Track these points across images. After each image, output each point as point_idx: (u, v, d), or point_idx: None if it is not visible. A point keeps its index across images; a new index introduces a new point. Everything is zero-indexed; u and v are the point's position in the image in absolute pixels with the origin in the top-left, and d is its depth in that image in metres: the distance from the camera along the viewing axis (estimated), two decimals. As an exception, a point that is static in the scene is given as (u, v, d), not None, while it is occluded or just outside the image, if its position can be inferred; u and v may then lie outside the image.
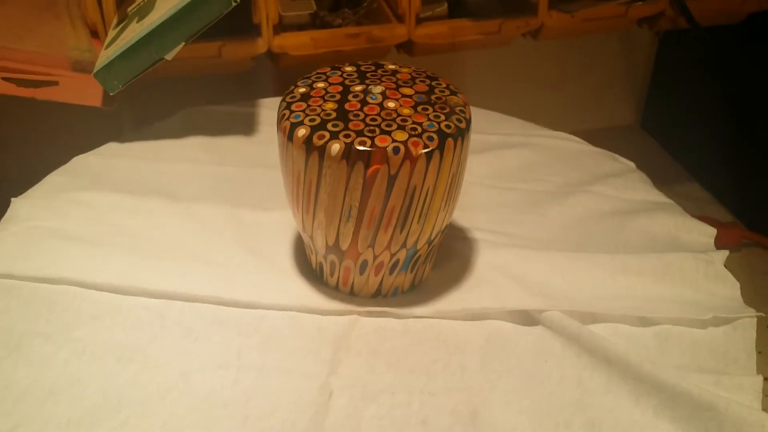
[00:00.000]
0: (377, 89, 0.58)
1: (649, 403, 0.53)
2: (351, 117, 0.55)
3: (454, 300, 0.62)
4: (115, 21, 0.82)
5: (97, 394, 0.53)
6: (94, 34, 0.83)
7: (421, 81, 0.60)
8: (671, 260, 0.66)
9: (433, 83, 0.60)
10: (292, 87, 0.59)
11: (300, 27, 0.91)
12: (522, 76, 1.32)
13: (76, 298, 0.60)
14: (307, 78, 0.60)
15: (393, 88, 0.58)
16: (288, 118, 0.55)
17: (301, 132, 0.54)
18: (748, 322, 0.60)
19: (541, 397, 0.55)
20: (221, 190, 0.73)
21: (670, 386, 0.53)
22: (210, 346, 0.57)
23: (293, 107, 0.56)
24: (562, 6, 0.95)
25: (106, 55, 0.75)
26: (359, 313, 0.61)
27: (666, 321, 0.61)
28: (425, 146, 0.53)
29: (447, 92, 0.59)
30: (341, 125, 0.54)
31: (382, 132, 0.54)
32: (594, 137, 0.86)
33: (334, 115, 0.55)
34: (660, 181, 0.79)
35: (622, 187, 0.78)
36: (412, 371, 0.56)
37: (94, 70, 0.73)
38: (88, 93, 0.76)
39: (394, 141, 0.53)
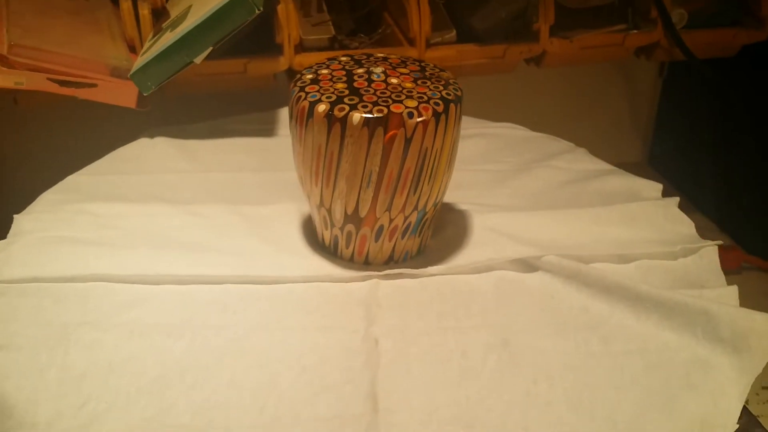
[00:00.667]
0: (378, 69, 0.65)
1: (650, 319, 0.61)
2: (362, 92, 0.61)
3: (459, 258, 0.68)
4: (151, 35, 0.88)
5: (157, 366, 0.56)
6: (132, 49, 0.89)
7: (411, 63, 0.67)
8: (634, 209, 0.75)
9: (422, 64, 0.67)
10: (299, 75, 0.65)
11: (319, 50, 0.97)
12: (527, 114, 1.32)
13: (108, 292, 0.62)
14: (309, 68, 0.66)
15: (391, 69, 0.65)
16: (305, 99, 0.61)
17: (322, 107, 0.59)
18: (710, 250, 0.70)
19: (557, 324, 0.61)
20: (215, 192, 0.77)
21: (667, 301, 0.61)
22: (250, 317, 0.61)
23: (307, 89, 0.62)
24: (563, 34, 1.01)
25: (142, 60, 0.80)
26: (378, 277, 0.66)
27: (642, 257, 0.69)
28: (434, 110, 0.60)
29: (437, 70, 0.66)
30: (356, 99, 0.60)
31: (394, 101, 0.60)
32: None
33: (347, 92, 0.61)
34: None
35: (572, 160, 0.87)
36: (439, 317, 0.62)
37: (131, 72, 0.79)
38: (123, 95, 0.82)
39: (407, 107, 0.59)
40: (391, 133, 0.59)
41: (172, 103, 0.97)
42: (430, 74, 0.65)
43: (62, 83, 0.80)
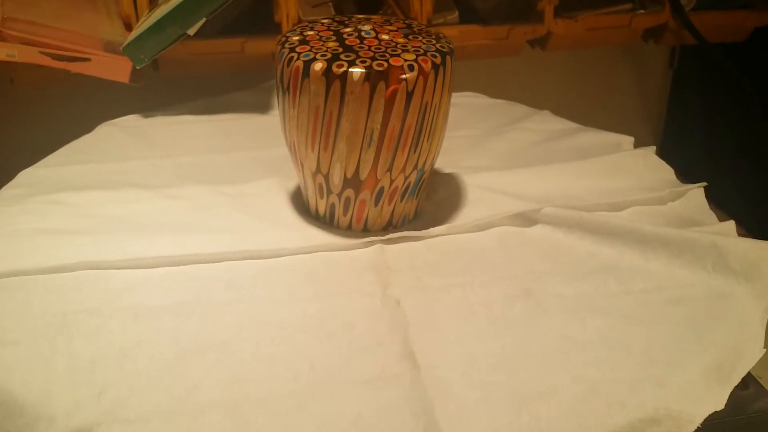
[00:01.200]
0: (367, 27, 0.63)
1: (659, 259, 0.61)
2: (356, 49, 0.59)
3: (457, 218, 0.67)
4: (147, 11, 0.84)
5: (172, 346, 0.52)
6: (128, 26, 0.85)
7: (396, 21, 0.65)
8: (614, 160, 0.76)
9: (407, 22, 0.65)
10: (284, 38, 0.62)
11: None
12: (535, 106, 1.32)
13: (100, 279, 0.58)
14: (292, 31, 0.63)
15: (378, 27, 0.63)
16: (298, 59, 0.58)
17: (318, 65, 0.57)
18: (697, 192, 0.71)
19: (569, 270, 0.61)
20: (188, 176, 0.73)
21: (674, 239, 0.61)
22: (259, 291, 0.58)
23: (298, 49, 0.59)
24: (568, 14, 0.99)
25: (135, 32, 0.76)
26: (381, 242, 0.64)
27: (633, 203, 0.70)
28: (433, 63, 0.58)
29: (423, 27, 0.65)
30: (352, 55, 0.58)
31: (392, 55, 0.58)
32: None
33: (341, 49, 0.59)
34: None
35: (540, 122, 0.87)
36: (452, 275, 0.60)
37: (123, 45, 0.76)
38: (117, 70, 0.79)
39: (406, 60, 0.58)
40: (392, 87, 0.57)
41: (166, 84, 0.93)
42: (418, 30, 0.64)
43: (55, 57, 0.77)
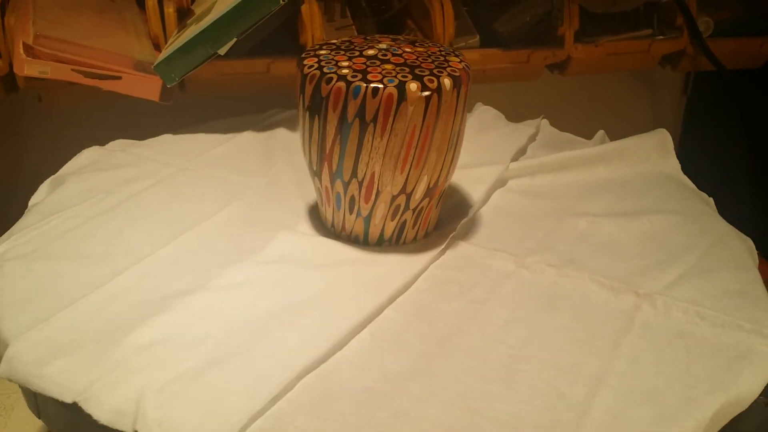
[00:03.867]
0: (384, 45, 0.63)
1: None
2: (411, 64, 0.60)
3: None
4: (175, 32, 0.87)
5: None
6: (156, 47, 0.87)
7: (383, 38, 0.66)
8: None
9: (393, 37, 0.66)
10: (322, 74, 0.58)
11: None
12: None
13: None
14: (318, 68, 0.59)
15: (392, 43, 0.65)
16: (385, 87, 0.57)
17: (414, 86, 0.57)
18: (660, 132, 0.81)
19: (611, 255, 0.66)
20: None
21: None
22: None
23: (369, 78, 0.58)
24: (588, 39, 0.99)
25: (166, 51, 0.79)
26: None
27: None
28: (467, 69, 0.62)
29: (415, 39, 0.66)
30: (408, 70, 0.59)
31: (438, 67, 0.60)
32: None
33: (394, 67, 0.60)
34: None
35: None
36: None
37: (155, 64, 0.78)
38: (147, 88, 0.81)
39: (454, 68, 0.61)
40: (464, 88, 0.60)
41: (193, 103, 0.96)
42: (418, 43, 0.65)
43: (87, 74, 0.78)
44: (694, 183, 0.79)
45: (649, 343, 0.55)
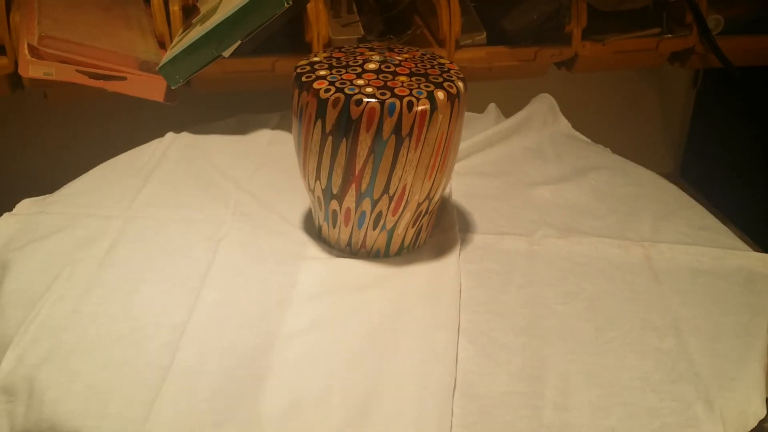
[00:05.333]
0: (378, 57, 0.63)
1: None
2: (416, 72, 0.61)
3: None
4: (180, 30, 0.86)
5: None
6: (162, 45, 0.87)
7: (370, 50, 0.65)
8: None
9: (372, 46, 0.66)
10: (365, 100, 0.57)
11: None
12: None
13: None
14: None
15: (388, 53, 0.64)
16: (417, 101, 0.57)
17: (441, 94, 0.58)
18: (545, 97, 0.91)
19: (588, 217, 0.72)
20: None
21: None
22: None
23: (398, 92, 0.57)
24: (595, 37, 0.98)
25: (170, 53, 0.79)
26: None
27: None
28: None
29: (398, 46, 0.66)
30: (423, 79, 0.60)
31: (445, 72, 0.61)
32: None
33: (410, 79, 0.60)
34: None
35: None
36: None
37: (159, 65, 0.78)
38: (152, 89, 0.81)
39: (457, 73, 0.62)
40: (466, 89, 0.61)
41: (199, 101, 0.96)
42: (397, 50, 0.65)
43: (92, 75, 0.78)
44: (701, 174, 0.81)
45: (684, 286, 0.63)
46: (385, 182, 0.59)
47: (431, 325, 0.57)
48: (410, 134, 0.57)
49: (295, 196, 0.70)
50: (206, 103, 0.96)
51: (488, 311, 0.59)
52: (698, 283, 0.64)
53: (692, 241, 0.68)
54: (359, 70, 0.60)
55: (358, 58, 0.62)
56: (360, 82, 0.58)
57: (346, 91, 0.57)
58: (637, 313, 0.60)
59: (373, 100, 0.56)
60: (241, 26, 0.77)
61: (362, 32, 0.96)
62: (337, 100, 0.57)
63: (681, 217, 0.72)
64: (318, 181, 0.61)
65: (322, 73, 0.60)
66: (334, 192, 0.61)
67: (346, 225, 0.63)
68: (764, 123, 1.25)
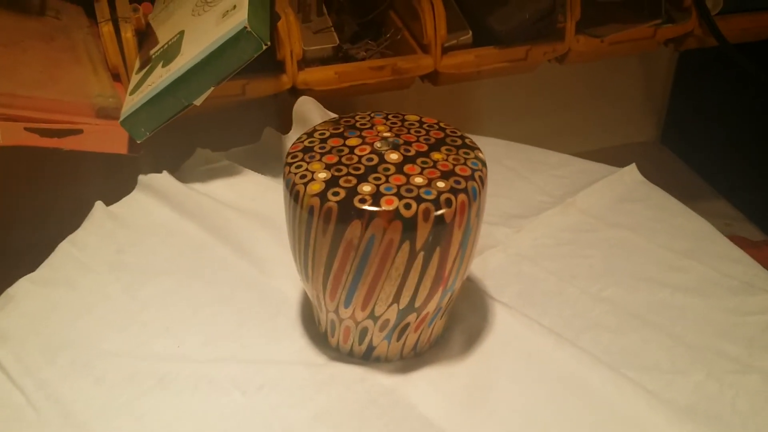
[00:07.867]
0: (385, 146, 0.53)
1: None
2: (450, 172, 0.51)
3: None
4: (137, 64, 0.75)
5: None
6: (116, 77, 0.77)
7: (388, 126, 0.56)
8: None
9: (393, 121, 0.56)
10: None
11: (323, 61, 0.85)
12: (540, 95, 1.25)
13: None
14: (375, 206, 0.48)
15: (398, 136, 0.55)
16: (436, 208, 0.48)
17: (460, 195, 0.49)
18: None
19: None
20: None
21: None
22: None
23: (418, 187, 0.49)
24: (591, 30, 0.90)
25: (131, 102, 0.68)
26: None
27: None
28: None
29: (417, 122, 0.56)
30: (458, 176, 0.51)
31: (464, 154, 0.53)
32: (614, 154, 0.85)
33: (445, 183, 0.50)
34: (684, 197, 0.76)
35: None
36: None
37: (121, 118, 0.68)
38: (113, 140, 0.71)
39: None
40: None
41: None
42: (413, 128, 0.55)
43: (43, 132, 0.68)
44: (682, 140, 0.78)
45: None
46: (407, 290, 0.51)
47: None
48: (452, 225, 0.49)
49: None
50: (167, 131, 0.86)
51: None
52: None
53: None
54: (357, 161, 0.51)
55: (345, 131, 0.53)
56: (367, 189, 0.48)
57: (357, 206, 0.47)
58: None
59: (397, 220, 0.47)
60: (213, 72, 0.67)
61: (336, 40, 0.87)
62: (362, 212, 0.47)
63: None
64: (334, 302, 0.53)
65: (321, 176, 0.49)
66: (351, 316, 0.54)
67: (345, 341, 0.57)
68: (745, 89, 1.22)
